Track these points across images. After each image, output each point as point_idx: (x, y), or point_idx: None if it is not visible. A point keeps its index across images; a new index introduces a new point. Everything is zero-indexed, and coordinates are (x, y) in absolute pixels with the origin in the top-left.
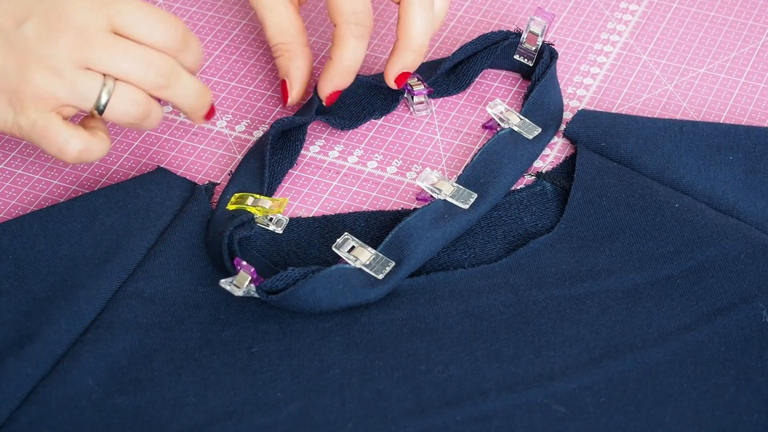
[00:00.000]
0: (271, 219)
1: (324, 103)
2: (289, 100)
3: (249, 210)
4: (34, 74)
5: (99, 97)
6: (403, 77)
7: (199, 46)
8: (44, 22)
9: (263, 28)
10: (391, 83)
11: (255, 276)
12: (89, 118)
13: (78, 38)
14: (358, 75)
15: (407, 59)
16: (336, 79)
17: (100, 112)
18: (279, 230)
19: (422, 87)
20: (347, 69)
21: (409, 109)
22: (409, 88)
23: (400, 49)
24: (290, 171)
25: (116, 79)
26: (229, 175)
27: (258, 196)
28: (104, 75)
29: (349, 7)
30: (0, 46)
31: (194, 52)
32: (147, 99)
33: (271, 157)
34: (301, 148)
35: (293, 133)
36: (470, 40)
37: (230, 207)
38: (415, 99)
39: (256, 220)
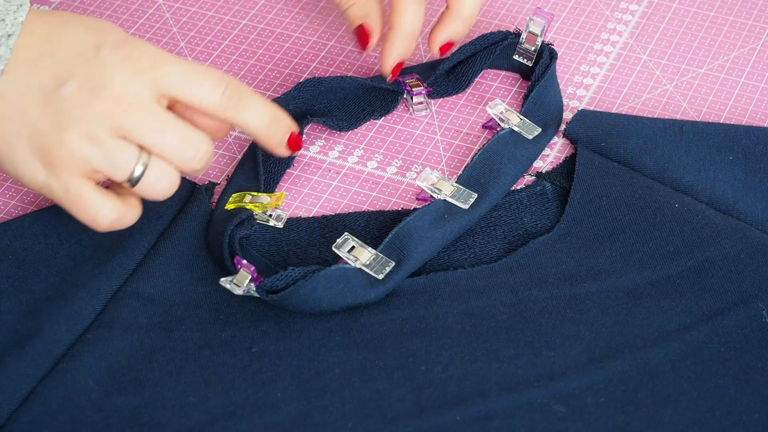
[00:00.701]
0: (270, 215)
1: (388, 78)
2: (370, 43)
3: (247, 207)
4: (70, 136)
5: (133, 170)
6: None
7: (258, 104)
8: (85, 85)
9: None
10: (435, 50)
11: (255, 275)
12: (119, 185)
13: (117, 106)
14: (355, 77)
15: (456, 28)
16: (400, 48)
17: (133, 185)
18: (279, 225)
19: (421, 87)
20: (410, 36)
21: (409, 110)
22: (408, 88)
23: (449, 18)
24: (290, 171)
25: (150, 153)
26: (227, 176)
27: (255, 193)
28: (140, 147)
29: None
30: (38, 104)
31: (253, 112)
32: (178, 177)
33: (264, 155)
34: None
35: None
36: (470, 40)
37: (229, 207)
38: (415, 99)
39: (256, 217)
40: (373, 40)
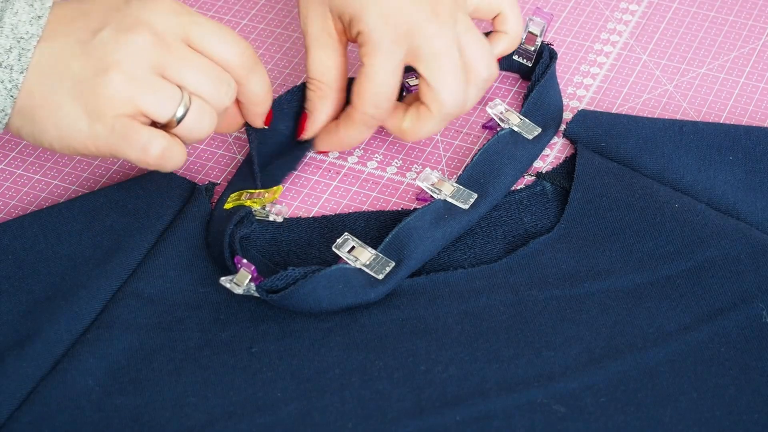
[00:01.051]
0: (269, 210)
1: (315, 150)
2: (303, 136)
3: (246, 205)
4: (113, 79)
5: (177, 109)
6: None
7: (265, 75)
8: (120, 28)
9: (306, 58)
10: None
11: (255, 274)
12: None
13: (156, 41)
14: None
15: (505, 46)
16: (333, 147)
17: (177, 123)
18: (279, 219)
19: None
20: (348, 145)
21: None
22: (407, 85)
23: (497, 38)
24: (290, 171)
25: (190, 94)
26: (228, 176)
27: (252, 190)
28: (182, 91)
29: (372, 101)
30: (77, 56)
31: (260, 79)
32: (215, 117)
33: (258, 152)
34: (304, 151)
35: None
36: None
37: (227, 206)
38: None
39: (255, 213)
40: (307, 134)
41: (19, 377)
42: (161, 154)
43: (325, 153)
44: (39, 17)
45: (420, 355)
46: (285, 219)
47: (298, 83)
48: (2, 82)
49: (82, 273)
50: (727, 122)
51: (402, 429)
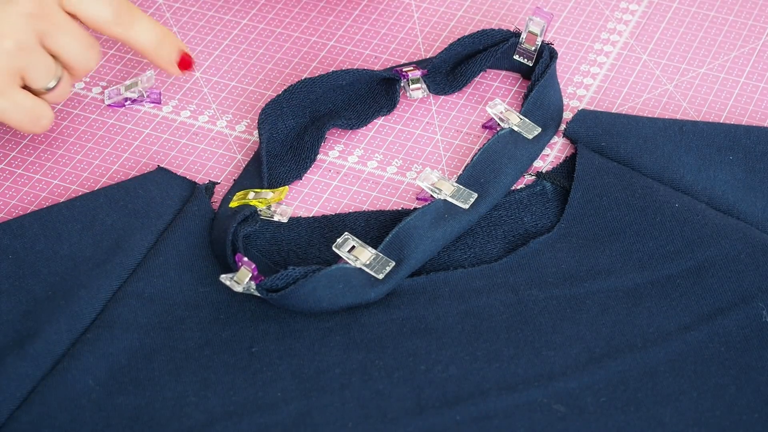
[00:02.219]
0: (274, 210)
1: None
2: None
3: (252, 204)
4: (7, 47)
5: (51, 80)
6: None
7: (149, 22)
8: None
9: None
10: None
11: (255, 273)
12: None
13: (39, 10)
14: (346, 70)
15: None
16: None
17: (49, 89)
18: (284, 219)
19: (417, 72)
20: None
21: (407, 95)
22: (404, 73)
23: None
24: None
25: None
26: (228, 176)
27: (258, 190)
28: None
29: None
30: None
31: (144, 26)
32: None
33: (268, 153)
34: (315, 156)
35: (307, 140)
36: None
37: (233, 204)
38: (411, 76)
39: (260, 213)
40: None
41: (19, 377)
42: (47, 126)
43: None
44: None
45: (420, 354)
46: None
47: (296, 82)
48: None
49: (82, 273)
50: (727, 122)
51: (402, 429)
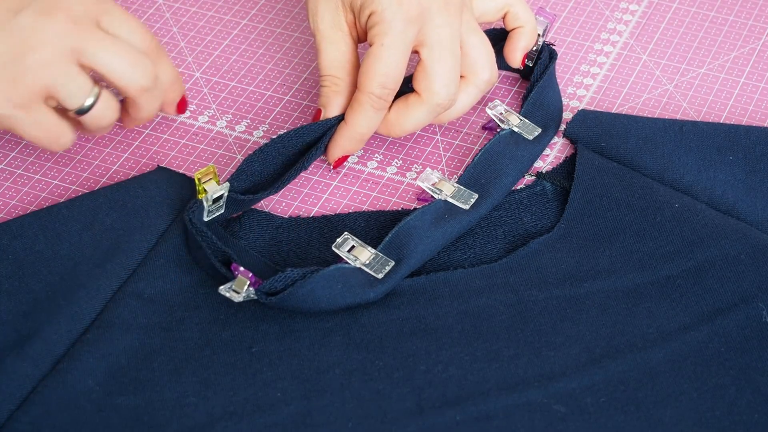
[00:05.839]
0: (216, 199)
1: (332, 166)
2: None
3: (200, 197)
4: (32, 63)
5: (85, 99)
6: (341, 160)
7: (170, 64)
8: (40, 11)
9: (318, 56)
10: (518, 62)
11: (253, 280)
12: (64, 112)
13: (73, 27)
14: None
15: (529, 40)
16: (347, 145)
17: (80, 114)
18: (214, 206)
19: None
20: (360, 136)
21: None
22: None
23: (519, 34)
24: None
25: (102, 86)
26: (228, 176)
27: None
28: (94, 81)
29: (379, 81)
30: None
31: (165, 67)
32: (118, 112)
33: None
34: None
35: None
36: None
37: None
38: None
39: (205, 203)
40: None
41: (19, 377)
42: (65, 146)
43: (341, 164)
44: None
45: (420, 355)
46: (285, 219)
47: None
48: None
49: (82, 273)
50: (727, 122)
51: (402, 429)
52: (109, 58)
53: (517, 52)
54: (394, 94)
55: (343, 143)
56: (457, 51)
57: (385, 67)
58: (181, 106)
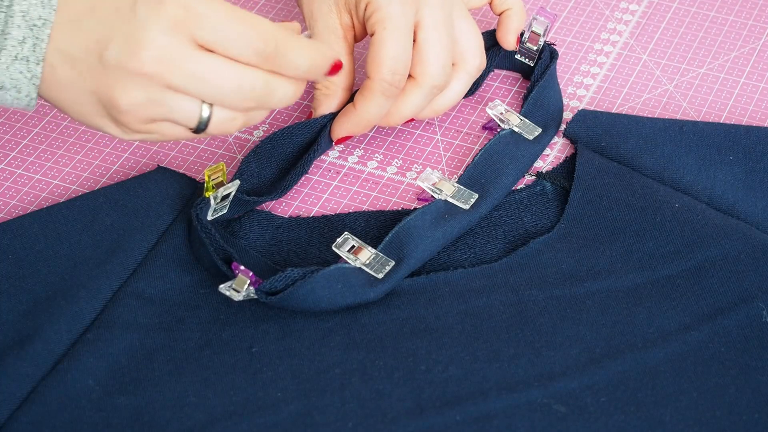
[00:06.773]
0: (224, 197)
1: (333, 142)
2: (314, 115)
3: (207, 195)
4: (127, 101)
5: (199, 117)
6: (343, 139)
7: (296, 46)
8: (125, 49)
9: None
10: (512, 45)
11: (253, 279)
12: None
13: (160, 66)
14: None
15: (519, 22)
16: (353, 128)
17: (204, 129)
18: (232, 189)
19: None
20: (367, 122)
21: None
22: None
23: (508, 17)
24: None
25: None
26: (227, 177)
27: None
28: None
29: (389, 66)
30: (88, 71)
31: (295, 54)
32: (252, 112)
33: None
34: (312, 159)
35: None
36: None
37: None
38: None
39: (212, 200)
40: (315, 114)
41: (19, 377)
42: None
43: (343, 141)
44: None
45: (420, 355)
46: (285, 219)
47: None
48: (21, 72)
49: (82, 273)
50: (727, 122)
51: (402, 429)
52: (205, 89)
53: (509, 34)
54: (405, 79)
55: (348, 126)
56: (451, 33)
57: (393, 51)
58: (334, 70)
